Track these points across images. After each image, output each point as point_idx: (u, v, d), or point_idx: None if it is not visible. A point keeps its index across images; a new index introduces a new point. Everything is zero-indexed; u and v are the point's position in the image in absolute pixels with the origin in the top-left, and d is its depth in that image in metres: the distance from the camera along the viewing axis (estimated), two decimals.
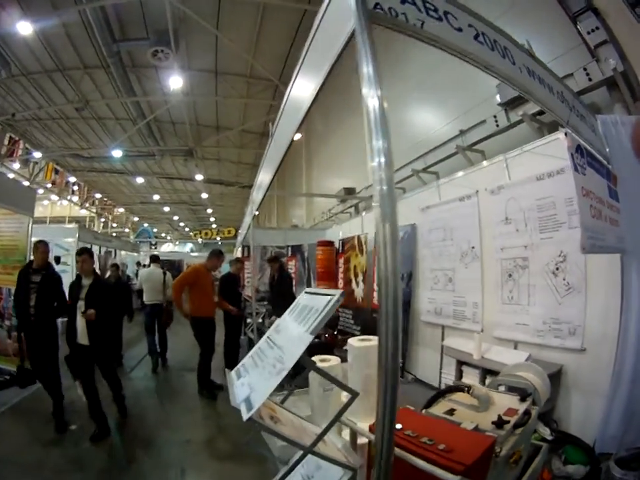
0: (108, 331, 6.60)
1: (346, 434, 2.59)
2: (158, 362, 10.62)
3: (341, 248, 11.78)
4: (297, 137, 4.41)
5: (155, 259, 12.38)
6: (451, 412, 2.75)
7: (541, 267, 5.16)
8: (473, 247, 6.38)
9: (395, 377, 1.66)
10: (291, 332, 2.33)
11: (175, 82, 15.47)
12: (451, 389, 3.17)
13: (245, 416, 1.91)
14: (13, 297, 7.53)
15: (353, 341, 3.64)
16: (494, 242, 5.88)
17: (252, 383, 2.17)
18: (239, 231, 20.49)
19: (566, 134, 3.42)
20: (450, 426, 2.54)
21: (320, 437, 2.11)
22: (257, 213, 8.15)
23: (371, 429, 2.39)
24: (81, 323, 6.16)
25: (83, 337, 6.17)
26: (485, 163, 6.38)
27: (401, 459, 2.07)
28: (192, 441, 6.11)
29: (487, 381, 4.41)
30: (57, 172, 27.60)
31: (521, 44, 3.10)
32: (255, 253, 9.73)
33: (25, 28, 12.00)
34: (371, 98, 1.87)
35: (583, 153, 3.45)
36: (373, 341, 3.97)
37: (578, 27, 5.44)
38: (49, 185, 27.12)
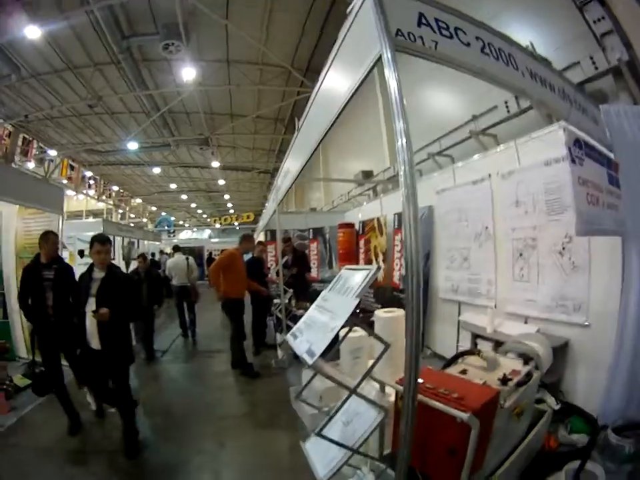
0: (124, 333, 5.63)
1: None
2: (188, 333, 12.99)
3: (361, 230, 12.17)
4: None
5: (177, 248, 15.35)
6: (464, 372, 3.30)
7: (548, 247, 5.42)
8: (486, 228, 6.64)
9: (418, 336, 2.21)
10: (338, 299, 2.78)
11: (188, 73, 15.58)
12: (465, 353, 3.67)
13: (310, 361, 2.37)
14: (17, 298, 6.46)
15: (379, 313, 4.12)
16: (505, 223, 6.15)
17: (310, 339, 2.59)
18: (261, 216, 20.82)
19: (564, 130, 3.75)
20: (463, 381, 3.06)
21: (362, 379, 2.61)
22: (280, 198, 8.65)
23: (398, 383, 2.85)
24: (91, 323, 5.24)
25: (93, 340, 5.30)
26: (497, 148, 6.60)
27: (423, 403, 2.59)
28: (229, 414, 6.63)
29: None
30: (72, 168, 27.98)
31: (525, 46, 3.43)
32: (280, 237, 10.23)
33: (33, 32, 12.12)
34: (397, 122, 2.32)
35: (581, 145, 3.74)
36: (397, 312, 4.41)
37: (585, 15, 5.56)
38: (65, 181, 27.13)
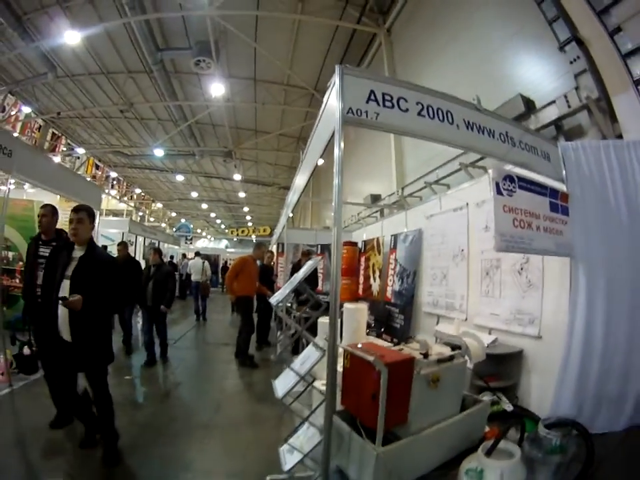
0: (102, 325, 4.81)
1: None
2: (200, 317, 17.96)
3: (363, 248, 12.84)
4: (320, 162, 5.50)
5: (197, 253, 21.22)
6: (400, 349, 4.18)
7: (509, 267, 6.05)
8: (462, 250, 7.29)
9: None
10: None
11: (216, 89, 16.21)
12: (407, 339, 4.59)
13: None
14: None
15: (347, 305, 5.19)
16: (477, 246, 6.82)
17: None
18: (275, 230, 21.62)
19: (493, 169, 4.54)
20: (390, 350, 4.09)
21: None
22: (291, 215, 9.57)
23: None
24: (62, 309, 4.46)
25: (64, 330, 4.57)
26: (473, 180, 7.27)
27: (354, 355, 3.78)
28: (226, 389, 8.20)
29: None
30: (97, 167, 28.76)
31: (470, 101, 4.19)
32: (287, 249, 12.36)
33: (73, 37, 12.74)
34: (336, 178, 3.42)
35: (513, 179, 4.41)
36: (359, 304, 5.47)
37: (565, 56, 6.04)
38: (89, 179, 27.79)
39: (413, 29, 11.46)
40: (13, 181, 8.19)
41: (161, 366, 9.40)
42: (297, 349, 8.90)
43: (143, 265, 11.72)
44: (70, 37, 12.74)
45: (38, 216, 6.60)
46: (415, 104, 3.67)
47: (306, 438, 4.06)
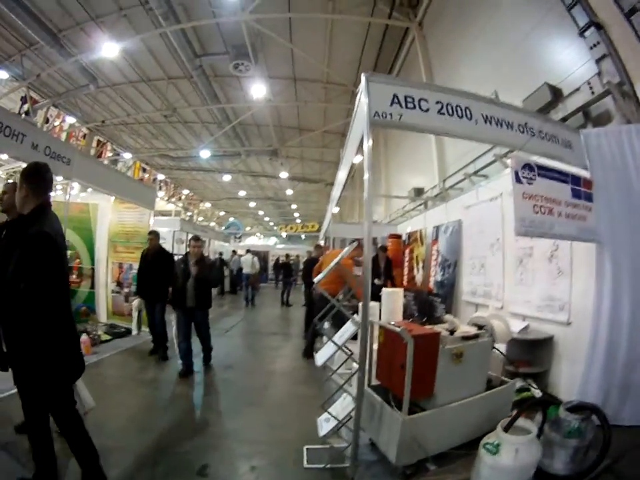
0: (38, 327, 3.33)
1: None
2: (248, 304, 20.37)
3: (407, 240, 13.07)
4: (357, 159, 5.74)
5: (248, 250, 24.87)
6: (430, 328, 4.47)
7: (541, 255, 6.16)
8: (498, 239, 7.41)
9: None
10: None
11: (257, 90, 16.45)
12: (435, 320, 4.83)
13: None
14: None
15: (385, 289, 5.63)
16: (511, 234, 6.71)
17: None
18: (323, 225, 21.89)
19: (509, 160, 4.70)
20: (420, 326, 4.42)
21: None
22: (337, 209, 9.74)
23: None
24: None
25: None
26: (507, 170, 7.22)
27: (385, 328, 4.30)
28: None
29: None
30: (144, 170, 28.90)
31: (489, 96, 4.42)
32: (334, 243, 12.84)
33: (110, 50, 13.22)
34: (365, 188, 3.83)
35: (532, 168, 4.58)
36: (396, 289, 5.82)
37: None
38: None
39: (444, 21, 11.50)
40: (75, 185, 8.79)
41: (202, 374, 8.10)
42: None
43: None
44: (108, 49, 13.25)
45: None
46: (434, 103, 3.99)
47: (342, 407, 4.45)
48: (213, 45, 15.14)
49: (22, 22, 12.64)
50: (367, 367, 4.10)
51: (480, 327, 4.69)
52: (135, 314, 10.37)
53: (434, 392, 4.11)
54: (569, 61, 6.46)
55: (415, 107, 3.89)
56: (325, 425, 4.51)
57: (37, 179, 3.70)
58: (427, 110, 3.95)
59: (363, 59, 15.55)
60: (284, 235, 51.56)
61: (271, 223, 57.33)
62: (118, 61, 15.92)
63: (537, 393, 5.27)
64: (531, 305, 6.39)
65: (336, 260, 4.80)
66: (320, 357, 4.53)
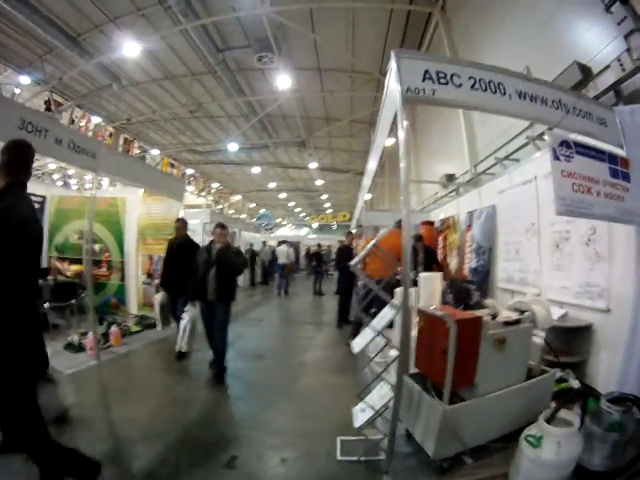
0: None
1: None
2: (281, 292, 21.19)
3: (440, 227, 12.99)
4: (390, 142, 5.67)
5: (284, 241, 25.03)
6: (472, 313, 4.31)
7: (578, 239, 5.93)
8: (533, 223, 7.19)
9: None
10: None
11: (283, 82, 16.41)
12: (475, 305, 4.69)
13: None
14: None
15: (422, 274, 5.92)
16: (547, 218, 6.69)
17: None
18: (354, 214, 21.90)
19: (549, 135, 4.50)
20: (462, 312, 4.33)
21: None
22: (368, 196, 9.69)
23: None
24: None
25: None
26: (540, 152, 7.09)
27: (427, 313, 4.13)
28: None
29: None
30: (172, 166, 29.12)
31: (521, 72, 4.29)
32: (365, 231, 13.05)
33: (132, 49, 13.32)
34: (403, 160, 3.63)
35: (570, 145, 4.40)
36: (433, 274, 6.19)
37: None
38: None
39: (467, 4, 11.28)
40: (105, 180, 8.85)
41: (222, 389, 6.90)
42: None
43: None
44: (129, 49, 13.36)
45: None
46: (467, 79, 3.89)
47: (379, 396, 4.26)
48: (234, 39, 15.11)
49: (40, 29, 12.90)
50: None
51: (521, 312, 4.54)
52: (157, 309, 9.53)
53: (475, 381, 3.96)
54: (597, 38, 6.21)
55: (447, 83, 3.80)
56: (360, 415, 4.36)
57: (9, 155, 3.49)
58: (460, 85, 3.86)
59: (387, 46, 15.12)
60: (315, 225, 51.67)
61: (302, 214, 57.43)
62: (140, 60, 16.01)
63: (575, 384, 5.09)
64: (568, 291, 6.16)
65: (373, 242, 4.72)
66: (357, 344, 4.44)
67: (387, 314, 4.27)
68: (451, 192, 13.69)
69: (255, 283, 25.22)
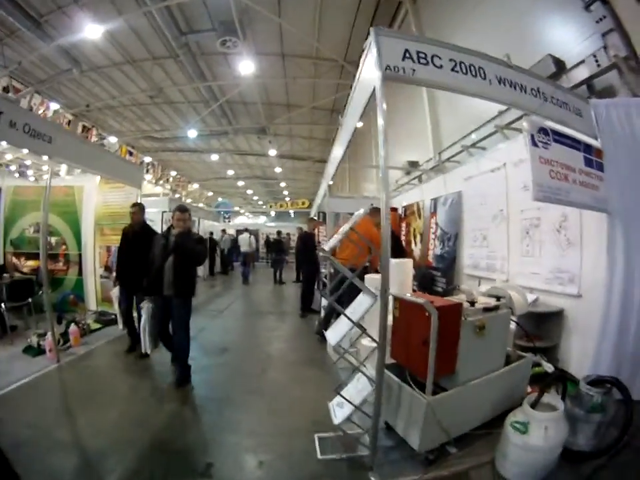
0: None
1: None
2: (246, 280, 21.64)
3: (403, 213, 13.06)
4: (359, 124, 5.63)
5: (246, 229, 27.46)
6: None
7: (549, 226, 6.03)
8: (501, 210, 7.28)
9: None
10: None
11: (246, 67, 15.94)
12: (451, 290, 4.71)
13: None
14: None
15: (393, 260, 5.19)
16: (516, 205, 6.80)
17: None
18: (314, 200, 21.79)
19: (527, 121, 4.54)
20: (439, 298, 4.26)
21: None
22: (331, 183, 9.61)
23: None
24: None
25: None
26: (510, 140, 7.21)
27: (405, 300, 4.08)
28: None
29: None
30: (130, 154, 28.52)
31: (503, 55, 4.30)
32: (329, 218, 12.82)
33: (93, 31, 12.71)
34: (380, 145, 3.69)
35: (547, 132, 4.48)
36: (405, 260, 5.63)
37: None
38: None
39: None
40: (64, 168, 8.46)
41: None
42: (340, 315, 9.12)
43: None
44: (91, 31, 12.80)
45: None
46: (448, 60, 3.86)
47: (356, 391, 4.13)
48: (199, 22, 14.72)
49: (3, 9, 12.43)
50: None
51: (498, 298, 4.55)
52: (116, 305, 8.65)
53: (456, 369, 3.93)
54: (573, 34, 6.35)
55: (427, 63, 3.76)
56: (338, 411, 4.24)
57: None
58: (441, 67, 3.82)
59: (353, 34, 15.12)
60: (273, 213, 51.52)
61: (260, 202, 57.07)
62: (101, 44, 15.52)
63: (549, 368, 5.12)
64: (538, 277, 6.28)
65: (346, 226, 4.49)
66: (332, 336, 4.18)
67: (362, 302, 4.03)
68: (413, 179, 13.75)
69: (215, 273, 25.00)
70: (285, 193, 48.72)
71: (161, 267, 6.27)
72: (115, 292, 8.41)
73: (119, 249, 8.34)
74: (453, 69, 3.86)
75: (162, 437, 4.79)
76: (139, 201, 9.15)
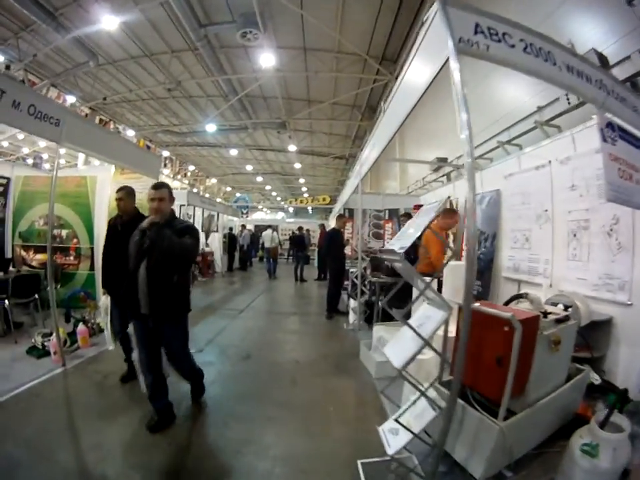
0: None
1: None
2: (271, 274, 22.34)
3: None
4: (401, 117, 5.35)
5: (269, 226, 25.59)
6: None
7: (598, 228, 5.66)
8: (545, 210, 6.91)
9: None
10: None
11: (266, 60, 15.91)
12: (518, 296, 4.29)
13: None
14: None
15: (451, 262, 4.83)
16: (562, 206, 6.44)
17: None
18: (338, 197, 22.13)
19: (594, 116, 4.21)
20: (513, 308, 3.90)
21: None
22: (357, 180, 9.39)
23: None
24: None
25: None
26: (556, 137, 6.80)
27: (480, 312, 3.54)
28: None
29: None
30: (148, 147, 28.23)
31: (566, 45, 3.94)
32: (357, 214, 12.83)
33: (110, 23, 12.83)
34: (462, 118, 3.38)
35: (614, 127, 4.10)
36: (460, 263, 5.12)
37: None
38: None
39: None
40: (81, 158, 8.04)
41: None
42: (370, 317, 8.73)
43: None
44: (107, 22, 12.87)
45: None
46: (519, 40, 3.51)
47: (413, 415, 3.57)
48: (218, 14, 14.49)
49: (19, 4, 12.39)
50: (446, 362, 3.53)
51: (566, 307, 4.19)
52: (107, 320, 6.75)
53: (526, 389, 3.56)
54: (615, 29, 6.10)
55: (500, 41, 3.38)
56: (392, 439, 3.53)
57: None
58: (513, 46, 3.45)
59: (377, 27, 14.80)
60: (291, 209, 51.43)
61: (278, 198, 57.10)
62: (118, 36, 15.52)
63: (595, 380, 4.85)
64: (585, 283, 5.89)
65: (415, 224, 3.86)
66: (394, 355, 3.46)
67: (431, 315, 3.42)
68: (442, 176, 13.44)
69: (233, 269, 24.77)
70: (304, 189, 48.76)
71: (134, 275, 4.66)
72: (105, 301, 6.57)
73: (104, 247, 6.63)
74: (524, 50, 3.51)
75: (181, 461, 4.20)
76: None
